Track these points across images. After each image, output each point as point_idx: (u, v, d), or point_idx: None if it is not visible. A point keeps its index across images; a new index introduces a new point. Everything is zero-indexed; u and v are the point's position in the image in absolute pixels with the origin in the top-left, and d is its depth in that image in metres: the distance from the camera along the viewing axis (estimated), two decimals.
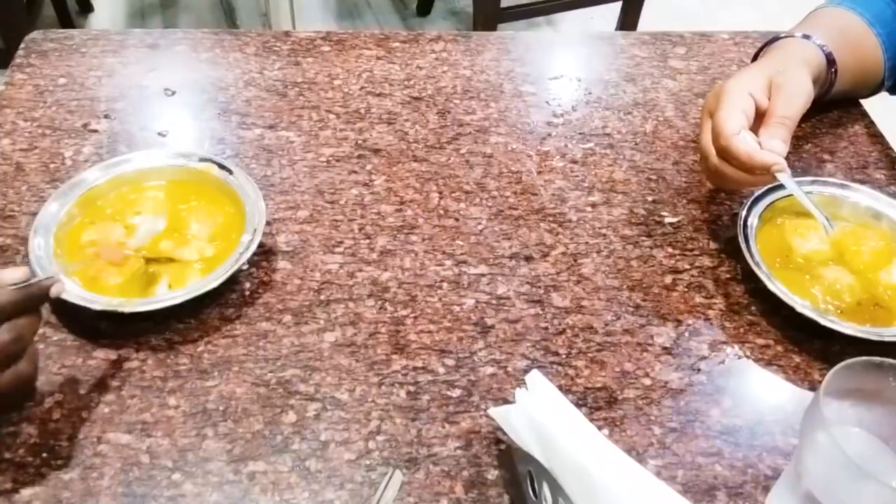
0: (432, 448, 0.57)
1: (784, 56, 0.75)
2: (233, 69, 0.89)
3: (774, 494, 0.55)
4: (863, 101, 0.90)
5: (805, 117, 0.70)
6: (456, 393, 0.61)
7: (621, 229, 0.74)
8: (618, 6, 2.29)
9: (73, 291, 0.61)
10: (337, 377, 0.61)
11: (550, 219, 0.75)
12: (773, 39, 0.80)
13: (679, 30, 1.00)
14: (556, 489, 0.49)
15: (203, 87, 0.87)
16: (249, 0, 2.58)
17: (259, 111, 0.84)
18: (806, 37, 0.77)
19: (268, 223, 0.72)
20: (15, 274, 0.52)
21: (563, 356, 0.64)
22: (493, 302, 0.67)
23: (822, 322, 0.62)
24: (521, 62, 0.93)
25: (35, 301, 0.52)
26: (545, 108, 0.87)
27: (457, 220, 0.74)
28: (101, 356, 0.61)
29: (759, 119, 0.69)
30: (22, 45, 0.90)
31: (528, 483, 0.53)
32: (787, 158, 0.67)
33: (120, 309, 0.61)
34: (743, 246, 0.68)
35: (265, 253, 0.70)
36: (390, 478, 0.54)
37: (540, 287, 0.69)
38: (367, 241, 0.71)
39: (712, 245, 0.73)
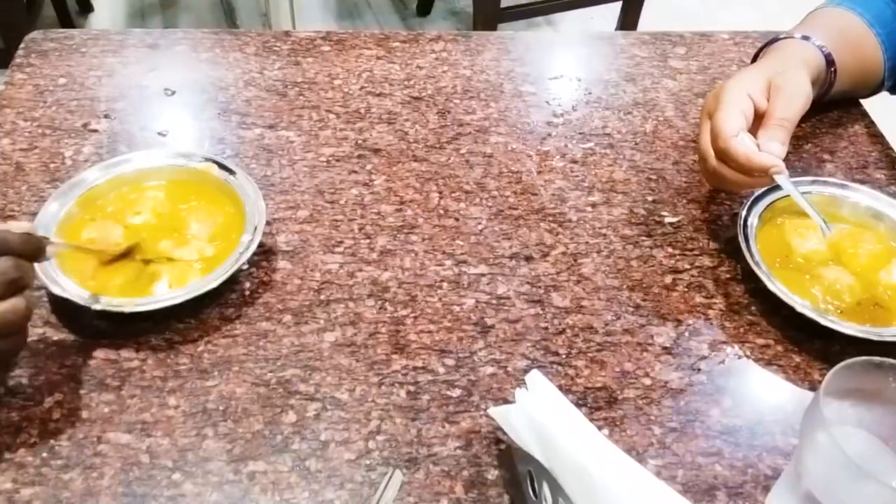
0: (432, 448, 0.57)
1: (783, 57, 0.75)
2: (233, 69, 0.89)
3: (774, 494, 0.55)
4: (863, 101, 0.90)
5: (805, 117, 0.71)
6: (456, 393, 0.61)
7: (621, 229, 0.74)
8: (618, 6, 2.29)
9: (74, 291, 0.61)
10: (337, 377, 0.61)
11: (550, 219, 0.75)
12: (772, 40, 0.80)
13: (679, 30, 1.00)
14: (556, 489, 0.49)
15: (203, 87, 0.87)
16: (249, 0, 2.58)
17: (259, 111, 0.84)
18: (805, 38, 0.77)
19: (268, 223, 0.72)
20: (21, 225, 0.56)
21: (563, 356, 0.64)
22: (493, 302, 0.67)
23: (822, 322, 0.63)
24: (521, 62, 0.93)
25: (35, 247, 0.55)
26: (545, 108, 0.87)
27: (457, 219, 0.74)
28: (101, 356, 0.61)
29: (758, 120, 0.69)
30: (22, 45, 0.90)
31: (528, 483, 0.53)
32: (786, 158, 0.67)
33: (120, 309, 0.61)
34: (743, 246, 0.68)
35: (265, 253, 0.70)
36: (390, 478, 0.54)
37: (540, 287, 0.69)
38: (367, 240, 0.72)
39: (712, 245, 0.73)
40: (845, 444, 0.44)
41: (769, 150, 0.66)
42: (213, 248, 0.67)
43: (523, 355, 0.64)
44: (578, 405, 0.58)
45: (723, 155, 0.67)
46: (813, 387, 0.63)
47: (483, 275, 0.69)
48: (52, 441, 0.56)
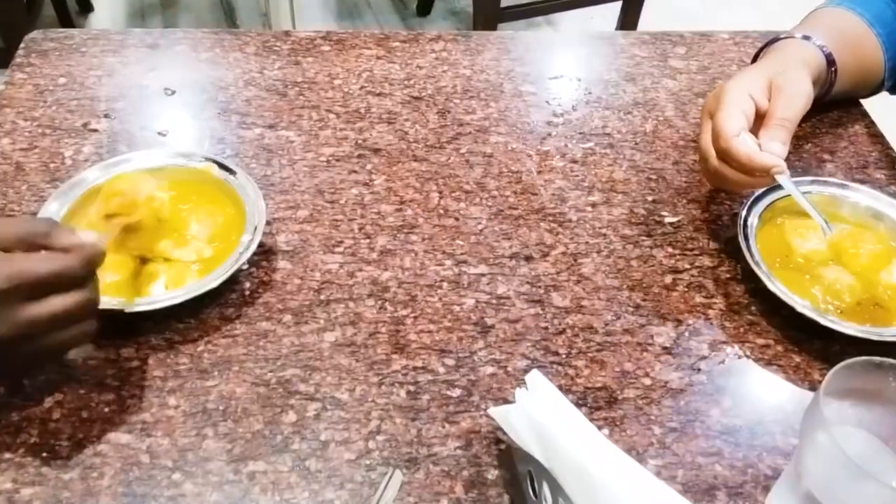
0: (432, 448, 0.57)
1: (784, 57, 0.75)
2: (233, 69, 0.89)
3: (774, 494, 0.55)
4: (863, 101, 0.90)
5: (805, 117, 0.70)
6: (456, 393, 0.61)
7: (621, 229, 0.74)
8: (618, 6, 2.29)
9: None
10: (337, 377, 0.61)
11: (550, 218, 0.75)
12: (772, 40, 0.80)
13: (679, 30, 1.00)
14: (556, 489, 0.49)
15: (203, 87, 0.87)
16: (249, 0, 2.58)
17: (259, 111, 0.84)
18: (806, 37, 0.77)
19: (268, 223, 0.72)
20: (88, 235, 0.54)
21: (563, 356, 0.64)
22: (493, 302, 0.67)
23: (822, 322, 0.62)
24: (521, 62, 0.93)
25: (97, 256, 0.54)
26: (545, 108, 0.87)
27: (457, 219, 0.74)
28: (101, 356, 0.61)
29: (758, 120, 0.69)
30: (22, 45, 0.90)
31: (528, 483, 0.53)
32: (787, 158, 0.67)
33: (120, 309, 0.61)
34: (743, 246, 0.68)
35: (265, 253, 0.70)
36: (390, 478, 0.54)
37: (540, 287, 0.69)
38: (367, 240, 0.71)
39: (712, 245, 0.73)
40: (845, 444, 0.44)
41: (770, 149, 0.66)
42: (211, 250, 0.67)
43: (523, 355, 0.63)
44: (578, 405, 0.58)
45: (724, 155, 0.67)
46: (813, 387, 0.63)
47: (483, 275, 0.69)
48: (52, 441, 0.56)
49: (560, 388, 0.57)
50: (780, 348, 0.65)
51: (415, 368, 0.62)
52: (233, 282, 0.67)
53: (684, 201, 0.77)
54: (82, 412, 0.58)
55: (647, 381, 0.62)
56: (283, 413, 0.59)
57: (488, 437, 0.58)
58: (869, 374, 0.50)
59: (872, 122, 0.88)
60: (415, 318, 0.66)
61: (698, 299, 0.69)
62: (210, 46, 0.92)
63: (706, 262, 0.72)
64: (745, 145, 0.66)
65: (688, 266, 0.71)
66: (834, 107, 0.87)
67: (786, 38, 0.79)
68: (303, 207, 0.74)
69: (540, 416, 0.51)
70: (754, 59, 0.85)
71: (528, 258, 0.71)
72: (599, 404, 0.61)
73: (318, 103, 0.85)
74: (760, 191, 0.72)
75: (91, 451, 0.56)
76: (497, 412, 0.54)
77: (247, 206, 0.69)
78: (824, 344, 0.65)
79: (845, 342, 0.63)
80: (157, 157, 0.73)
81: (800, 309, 0.63)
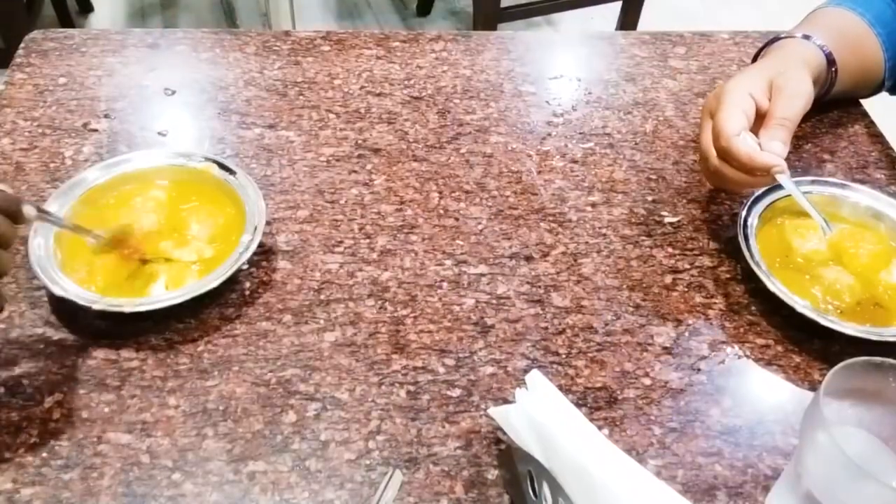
0: (432, 448, 0.57)
1: (784, 57, 0.75)
2: (233, 69, 0.89)
3: (774, 494, 0.55)
4: (863, 101, 0.90)
5: (805, 117, 0.70)
6: (456, 393, 0.61)
7: (621, 229, 0.74)
8: (618, 6, 2.29)
9: (73, 291, 0.61)
10: (337, 377, 0.61)
11: (550, 218, 0.75)
12: (773, 40, 0.80)
13: (679, 30, 1.00)
14: (556, 489, 0.49)
15: (203, 87, 0.87)
16: (249, 0, 2.58)
17: (259, 111, 0.84)
18: (806, 37, 0.77)
19: (268, 223, 0.72)
20: None
21: (563, 356, 0.64)
22: (493, 302, 0.67)
23: (822, 322, 0.62)
24: (521, 62, 0.93)
25: (13, 204, 0.54)
26: (545, 108, 0.87)
27: (457, 219, 0.74)
28: (101, 356, 0.61)
29: (759, 120, 0.69)
30: (22, 45, 0.90)
31: (528, 483, 0.53)
32: (787, 158, 0.67)
33: (120, 309, 0.61)
34: (743, 246, 0.68)
35: (265, 253, 0.70)
36: (390, 478, 0.54)
37: (540, 287, 0.69)
38: (367, 240, 0.71)
39: (712, 245, 0.73)
40: (845, 444, 0.44)
41: (771, 149, 0.66)
42: (212, 250, 0.67)
43: (523, 355, 0.63)
44: (578, 405, 0.58)
45: (724, 154, 0.67)
46: (813, 387, 0.63)
47: (483, 275, 0.69)
48: (52, 441, 0.56)
49: (560, 388, 0.57)
50: (780, 348, 0.65)
51: (415, 368, 0.62)
52: (233, 282, 0.67)
53: (684, 201, 0.77)
54: (82, 412, 0.58)
55: (647, 381, 0.62)
56: (283, 413, 0.59)
57: (488, 437, 0.58)
58: (869, 374, 0.50)
59: (872, 122, 0.88)
60: (415, 318, 0.66)
61: (698, 299, 0.69)
62: (210, 46, 0.92)
63: (706, 262, 0.72)
64: (745, 145, 0.66)
65: (688, 266, 0.71)
66: (834, 107, 0.87)
67: (786, 37, 0.79)
68: (303, 207, 0.74)
69: (540, 416, 0.51)
70: (754, 59, 0.85)
71: (528, 258, 0.71)
72: (599, 404, 0.61)
73: (318, 103, 0.85)
74: (760, 191, 0.72)
75: (91, 451, 0.56)
76: (497, 412, 0.54)
77: (247, 207, 0.69)
78: (824, 344, 0.65)
79: (845, 342, 0.63)
80: (157, 157, 0.73)
81: (800, 309, 0.63)
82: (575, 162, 0.81)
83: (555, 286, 0.69)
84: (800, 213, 0.71)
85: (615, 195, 0.78)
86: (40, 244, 0.64)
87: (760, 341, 0.66)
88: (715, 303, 0.68)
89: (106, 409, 0.58)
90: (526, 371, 0.58)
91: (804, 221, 0.71)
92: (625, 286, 0.69)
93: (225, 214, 0.70)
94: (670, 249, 0.73)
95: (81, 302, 0.60)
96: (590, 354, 0.64)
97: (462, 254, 0.71)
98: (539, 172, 0.79)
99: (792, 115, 0.69)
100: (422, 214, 0.74)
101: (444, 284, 0.68)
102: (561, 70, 0.93)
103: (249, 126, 0.82)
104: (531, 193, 0.77)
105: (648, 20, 2.31)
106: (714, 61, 0.95)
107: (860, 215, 0.73)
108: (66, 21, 2.34)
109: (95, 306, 0.60)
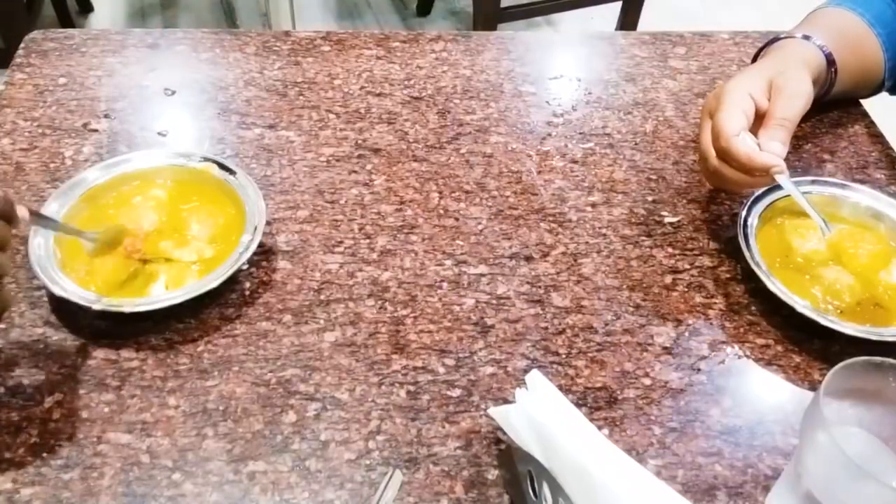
0: (432, 448, 0.57)
1: (784, 57, 0.75)
2: (233, 69, 0.89)
3: (774, 494, 0.55)
4: (863, 101, 0.90)
5: (805, 117, 0.70)
6: (456, 393, 0.61)
7: (621, 229, 0.74)
8: (618, 6, 2.29)
9: (73, 291, 0.61)
10: (337, 377, 0.61)
11: (550, 219, 0.75)
12: (773, 40, 0.80)
13: (679, 30, 1.00)
14: (556, 489, 0.49)
15: (203, 87, 0.87)
16: (249, 0, 2.58)
17: (259, 111, 0.84)
18: (806, 37, 0.77)
19: (268, 223, 0.72)
20: None
21: (563, 356, 0.64)
22: (493, 302, 0.67)
23: (822, 322, 0.62)
24: (521, 62, 0.93)
25: (6, 206, 0.53)
26: (545, 108, 0.87)
27: (457, 219, 0.74)
28: (101, 356, 0.61)
29: (758, 120, 0.69)
30: (22, 45, 0.90)
31: (528, 483, 0.53)
32: (787, 158, 0.67)
33: (120, 309, 0.61)
34: (743, 246, 0.68)
35: (265, 253, 0.70)
36: (390, 478, 0.54)
37: (540, 287, 0.69)
38: (367, 240, 0.71)
39: (712, 245, 0.73)
40: (845, 444, 0.44)
41: (770, 149, 0.66)
42: (212, 250, 0.67)
43: (523, 355, 0.63)
44: (578, 405, 0.58)
45: (724, 154, 0.67)
46: (813, 387, 0.63)
47: (483, 275, 0.69)
48: (52, 441, 0.56)
49: (560, 388, 0.57)
50: (780, 348, 0.65)
51: (415, 368, 0.62)
52: (233, 282, 0.67)
53: (684, 201, 0.77)
54: (82, 412, 0.58)
55: (647, 381, 0.62)
56: (283, 413, 0.59)
57: (488, 437, 0.58)
58: (869, 374, 0.50)
59: (872, 122, 0.88)
60: (415, 318, 0.66)
61: (698, 299, 0.69)
62: (210, 46, 0.92)
63: (706, 262, 0.72)
64: (744, 145, 0.66)
65: (688, 266, 0.71)
66: (834, 107, 0.87)
67: (786, 37, 0.79)
68: (303, 207, 0.74)
69: (540, 416, 0.51)
70: (754, 59, 0.85)
71: (528, 258, 0.71)
72: (599, 404, 0.61)
73: (318, 103, 0.85)
74: (760, 191, 0.72)
75: (91, 451, 0.56)
76: (497, 412, 0.54)
77: (247, 207, 0.69)
78: (824, 344, 0.65)
79: (845, 342, 0.63)
80: (157, 158, 0.73)
81: (800, 309, 0.63)
82: (575, 162, 0.81)
83: (555, 286, 0.69)
84: (800, 213, 0.71)
85: (615, 195, 0.78)
86: (40, 244, 0.64)
87: (760, 341, 0.66)
88: (715, 303, 0.68)
89: (106, 409, 0.58)
90: (526, 371, 0.58)
91: (804, 221, 0.71)
92: (625, 286, 0.69)
93: (225, 214, 0.70)
94: (670, 249, 0.73)
95: (81, 302, 0.60)
96: (590, 354, 0.64)
97: (462, 254, 0.71)
98: (539, 172, 0.79)
99: (791, 115, 0.69)
100: (422, 214, 0.74)
101: (444, 284, 0.68)
102: (561, 70, 0.93)
103: (249, 126, 0.82)
104: (531, 193, 0.77)
105: (648, 20, 2.31)
106: (714, 61, 0.95)
107: (860, 215, 0.73)
108: (66, 21, 2.34)
109: (95, 306, 0.61)
